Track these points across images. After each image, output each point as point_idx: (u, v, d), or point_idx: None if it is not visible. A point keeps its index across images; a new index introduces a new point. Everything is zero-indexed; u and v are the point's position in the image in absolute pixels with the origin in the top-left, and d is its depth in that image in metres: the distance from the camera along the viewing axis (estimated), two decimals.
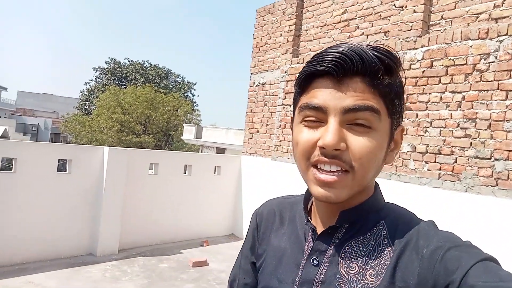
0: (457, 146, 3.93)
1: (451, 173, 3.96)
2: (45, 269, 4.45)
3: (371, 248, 0.64)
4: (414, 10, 4.42)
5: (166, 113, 25.63)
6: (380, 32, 4.91)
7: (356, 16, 5.23)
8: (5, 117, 37.37)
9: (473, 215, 3.67)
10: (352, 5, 5.28)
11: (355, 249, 0.65)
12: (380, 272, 0.61)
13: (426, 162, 4.18)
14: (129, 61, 35.82)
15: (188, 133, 20.58)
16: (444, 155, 4.03)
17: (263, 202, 0.87)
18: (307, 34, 5.99)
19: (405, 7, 4.54)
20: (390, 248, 0.62)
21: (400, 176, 4.49)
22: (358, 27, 5.19)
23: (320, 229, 0.70)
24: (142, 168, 5.62)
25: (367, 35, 5.08)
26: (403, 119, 0.68)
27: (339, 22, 5.44)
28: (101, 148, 5.22)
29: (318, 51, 0.63)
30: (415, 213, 0.68)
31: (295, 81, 0.67)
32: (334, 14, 5.53)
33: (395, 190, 4.19)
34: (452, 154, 3.96)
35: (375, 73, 0.60)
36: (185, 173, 6.17)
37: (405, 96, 0.67)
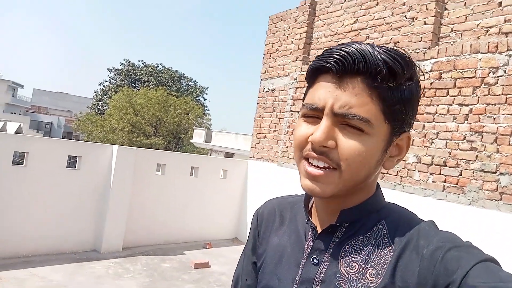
0: (462, 159, 3.91)
1: (455, 185, 3.95)
2: (50, 263, 4.54)
3: (371, 248, 0.64)
4: (425, 22, 4.44)
5: (177, 116, 25.85)
6: (390, 42, 4.93)
7: (367, 26, 5.27)
8: (20, 114, 38.16)
9: (477, 229, 3.64)
10: (363, 15, 5.32)
11: (355, 248, 0.65)
12: (380, 272, 0.61)
13: (431, 174, 4.17)
14: (143, 63, 36.34)
15: (197, 137, 20.74)
16: (449, 167, 4.02)
17: (264, 202, 0.87)
18: (318, 42, 6.05)
19: (416, 19, 4.57)
20: (390, 247, 0.63)
21: (404, 187, 4.48)
22: (368, 37, 5.23)
23: (320, 228, 0.70)
24: (149, 168, 5.70)
25: None
26: (411, 127, 0.67)
27: (350, 31, 5.48)
28: (110, 146, 5.32)
29: (332, 46, 0.65)
30: (415, 213, 0.68)
31: (306, 75, 0.69)
32: (345, 24, 5.57)
33: (399, 200, 4.17)
34: (458, 167, 3.95)
35: (376, 75, 0.60)
36: (191, 175, 6.23)
37: (416, 103, 0.66)
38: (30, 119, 34.54)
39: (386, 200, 0.71)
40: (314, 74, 0.66)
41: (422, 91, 0.67)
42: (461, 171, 3.91)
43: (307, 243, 0.71)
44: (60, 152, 4.82)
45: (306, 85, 0.70)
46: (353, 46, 0.61)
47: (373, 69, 0.59)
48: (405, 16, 4.78)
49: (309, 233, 0.71)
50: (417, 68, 0.65)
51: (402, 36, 4.80)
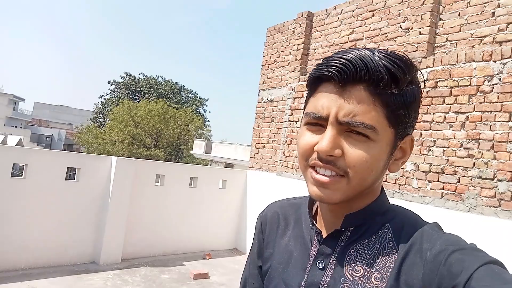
0: (460, 166, 3.93)
1: (453, 192, 3.95)
2: (49, 275, 4.51)
3: (376, 251, 0.64)
4: (420, 32, 4.51)
5: (177, 127, 25.95)
6: None
7: (363, 36, 5.34)
8: (21, 127, 38.30)
9: (476, 236, 3.63)
10: (359, 26, 5.40)
11: (360, 252, 0.65)
12: (385, 276, 0.61)
13: (429, 181, 4.18)
14: (143, 76, 36.62)
15: (198, 148, 20.78)
16: (447, 174, 4.03)
17: (267, 205, 0.88)
18: (315, 53, 6.12)
19: (411, 29, 4.64)
20: (395, 251, 0.63)
21: (403, 195, 4.48)
22: (364, 47, 5.28)
23: (325, 233, 0.70)
24: (148, 179, 5.70)
25: None
26: (413, 129, 0.68)
27: (347, 42, 5.55)
28: (109, 157, 5.34)
29: (332, 54, 0.65)
30: (420, 215, 0.69)
31: (306, 82, 0.69)
32: (342, 34, 5.65)
33: None
34: (455, 174, 3.96)
35: (379, 82, 0.60)
36: (190, 185, 6.23)
37: (418, 106, 0.66)
38: (31, 132, 34.68)
39: (390, 202, 0.71)
40: (315, 82, 0.66)
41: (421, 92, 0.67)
42: (459, 178, 3.92)
43: (312, 247, 0.71)
44: (59, 164, 4.83)
45: (306, 93, 0.70)
46: (353, 53, 0.61)
47: (375, 77, 0.59)
48: (401, 27, 4.86)
49: (314, 237, 0.72)
50: (417, 70, 0.65)
51: (398, 46, 4.86)
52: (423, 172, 4.25)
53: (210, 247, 6.40)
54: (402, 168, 4.46)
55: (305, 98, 0.72)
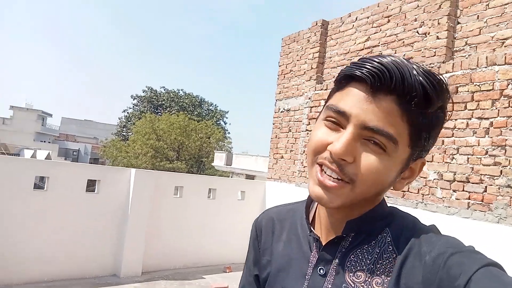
0: (486, 174, 3.75)
1: (481, 202, 3.77)
2: None
3: (376, 256, 0.64)
4: (437, 36, 4.39)
5: (198, 140, 26.24)
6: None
7: (379, 43, 5.26)
8: (49, 142, 39.70)
9: (508, 249, 3.44)
10: (375, 33, 5.32)
11: (360, 257, 0.65)
12: (386, 280, 0.61)
13: (454, 191, 4.01)
14: (164, 90, 37.36)
15: (218, 160, 20.91)
16: (473, 183, 3.86)
17: (263, 211, 0.87)
18: (331, 61, 6.06)
19: (428, 34, 4.52)
20: (394, 255, 0.62)
21: (427, 205, 4.32)
22: (381, 53, 5.20)
23: (324, 238, 0.70)
24: (167, 191, 5.74)
25: None
26: (427, 154, 0.66)
27: (362, 49, 5.48)
28: (128, 169, 5.41)
29: (370, 56, 0.63)
30: (418, 218, 0.68)
31: (335, 78, 0.66)
32: (358, 42, 5.58)
33: (421, 219, 4.03)
34: (482, 183, 3.78)
35: (412, 98, 0.58)
36: (209, 197, 6.23)
37: (439, 132, 0.64)
38: (59, 146, 35.88)
39: (388, 206, 0.70)
40: (346, 79, 0.63)
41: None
42: (486, 187, 3.74)
43: (312, 254, 0.70)
44: (79, 176, 4.94)
45: (333, 87, 0.68)
46: (394, 62, 0.58)
47: (409, 92, 0.57)
48: (417, 32, 4.75)
49: (313, 244, 0.71)
50: (450, 97, 0.63)
51: (416, 52, 4.75)
52: (447, 181, 4.08)
53: (230, 260, 6.35)
54: (424, 177, 4.31)
55: (323, 100, 0.70)
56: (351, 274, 0.64)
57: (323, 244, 0.69)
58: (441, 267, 0.54)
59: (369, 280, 0.62)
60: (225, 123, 38.13)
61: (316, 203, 0.75)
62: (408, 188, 4.47)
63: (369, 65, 0.59)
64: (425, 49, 4.56)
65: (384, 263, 0.62)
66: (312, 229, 0.72)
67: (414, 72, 0.58)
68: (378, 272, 0.62)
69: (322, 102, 5.12)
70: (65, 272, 4.79)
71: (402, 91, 0.58)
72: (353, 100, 0.60)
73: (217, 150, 25.89)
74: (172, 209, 5.77)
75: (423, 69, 0.59)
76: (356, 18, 5.65)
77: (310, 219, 0.75)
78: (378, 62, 0.59)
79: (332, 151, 0.60)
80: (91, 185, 5.20)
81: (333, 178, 0.61)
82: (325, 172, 0.61)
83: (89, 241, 5.00)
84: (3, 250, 4.37)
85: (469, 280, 0.50)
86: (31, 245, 4.56)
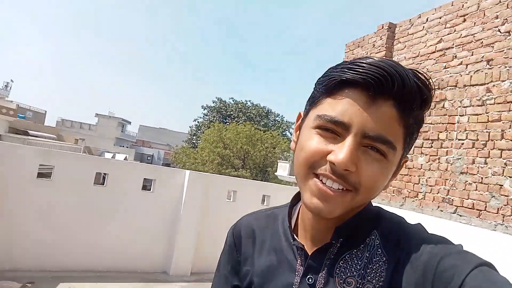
0: None
1: None
2: (121, 280, 4.75)
3: (366, 261, 0.61)
4: None
5: (264, 149, 26.49)
6: (482, 60, 4.35)
7: (453, 44, 4.76)
8: (127, 147, 43.09)
9: None
10: (448, 34, 4.83)
11: (349, 263, 0.62)
12: (377, 286, 0.59)
13: None
14: (233, 101, 38.54)
15: (282, 170, 20.79)
16: None
17: (240, 218, 0.82)
18: None
19: None
20: (384, 258, 0.60)
21: (508, 228, 3.73)
22: (455, 56, 4.70)
23: (309, 245, 0.67)
24: (220, 194, 5.76)
25: (466, 65, 4.55)
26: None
27: (434, 52, 5.01)
28: (183, 171, 5.54)
29: (357, 59, 0.58)
30: (404, 217, 0.66)
31: (319, 79, 0.62)
32: (428, 44, 5.12)
33: (502, 245, 3.49)
34: None
35: (412, 103, 0.57)
36: (263, 203, 6.13)
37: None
38: (135, 151, 38.70)
39: (373, 206, 0.68)
40: (338, 84, 0.59)
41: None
42: None
43: (298, 262, 0.67)
44: (136, 174, 5.16)
45: (318, 91, 0.63)
46: (391, 65, 0.55)
47: (409, 96, 0.56)
48: (499, 30, 4.20)
49: (297, 252, 0.67)
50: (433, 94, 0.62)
51: (497, 53, 4.20)
52: None
53: None
54: (506, 196, 3.75)
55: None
56: (341, 281, 0.61)
57: (310, 252, 0.66)
58: (433, 270, 0.53)
59: (360, 286, 0.60)
60: (291, 134, 37.99)
61: (298, 209, 0.73)
62: (486, 207, 3.92)
63: (369, 71, 0.55)
64: (509, 49, 4.01)
65: (375, 267, 0.60)
66: (296, 237, 0.69)
67: (410, 75, 0.56)
68: (369, 278, 0.60)
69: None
70: (118, 264, 5.00)
71: (401, 96, 0.56)
72: (352, 108, 0.57)
73: (281, 160, 25.83)
74: (224, 213, 5.76)
75: (413, 71, 0.58)
76: (427, 19, 5.21)
77: (292, 225, 0.72)
78: (376, 66, 0.55)
79: (335, 162, 0.56)
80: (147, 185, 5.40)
81: (334, 188, 0.58)
82: (324, 184, 0.58)
83: (143, 237, 5.17)
84: (69, 240, 4.70)
85: (463, 283, 0.49)
86: (90, 236, 4.84)
